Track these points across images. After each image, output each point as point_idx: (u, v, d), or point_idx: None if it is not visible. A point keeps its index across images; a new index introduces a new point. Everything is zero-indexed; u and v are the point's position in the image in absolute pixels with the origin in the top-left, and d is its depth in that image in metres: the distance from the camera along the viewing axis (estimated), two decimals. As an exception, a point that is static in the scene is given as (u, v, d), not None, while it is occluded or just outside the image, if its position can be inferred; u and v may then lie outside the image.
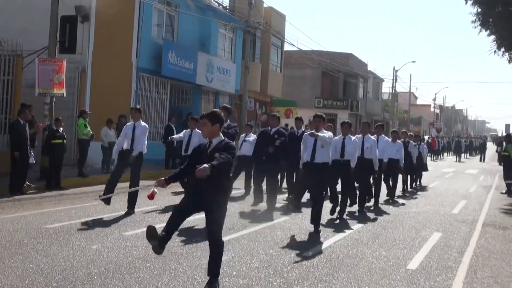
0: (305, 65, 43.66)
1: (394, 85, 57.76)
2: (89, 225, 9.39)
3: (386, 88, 64.53)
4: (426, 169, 20.54)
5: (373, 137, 12.92)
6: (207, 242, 8.35)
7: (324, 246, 8.66)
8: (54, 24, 15.69)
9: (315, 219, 9.70)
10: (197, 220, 10.31)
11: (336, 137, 11.24)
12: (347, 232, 10.03)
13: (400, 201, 15.09)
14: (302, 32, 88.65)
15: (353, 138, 11.42)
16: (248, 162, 13.99)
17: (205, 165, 5.41)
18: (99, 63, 19.18)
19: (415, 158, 17.73)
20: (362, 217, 11.81)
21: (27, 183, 13.50)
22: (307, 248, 8.44)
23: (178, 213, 6.10)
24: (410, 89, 66.27)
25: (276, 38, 33.29)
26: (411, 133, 19.77)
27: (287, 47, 36.49)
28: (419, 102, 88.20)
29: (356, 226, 10.70)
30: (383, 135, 14.09)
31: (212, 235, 6.08)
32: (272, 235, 8.97)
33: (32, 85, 15.82)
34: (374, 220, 11.62)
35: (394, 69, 57.09)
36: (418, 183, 19.76)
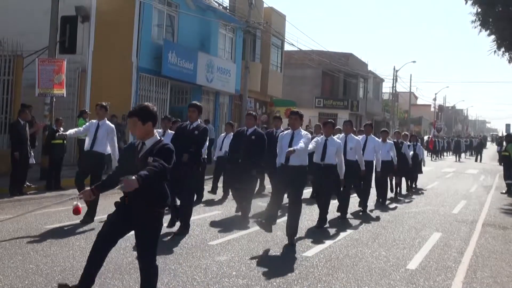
0: (305, 65, 43.65)
1: (394, 85, 57.81)
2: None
3: (386, 88, 64.56)
4: (420, 171, 19.10)
5: (357, 137, 12.02)
6: (206, 242, 8.41)
7: (323, 246, 8.66)
8: (54, 24, 15.69)
9: (289, 233, 8.70)
10: (198, 220, 10.33)
11: (318, 138, 10.43)
12: (347, 232, 10.03)
13: (392, 205, 14.25)
14: (302, 32, 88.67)
15: (337, 139, 10.49)
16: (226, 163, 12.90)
17: (132, 177, 4.49)
18: (99, 63, 19.19)
19: (410, 160, 16.45)
20: (359, 218, 11.81)
21: (27, 183, 13.51)
22: (307, 248, 8.45)
23: (103, 242, 5.15)
24: (410, 89, 66.29)
25: (276, 38, 33.29)
26: (406, 133, 18.64)
27: (287, 47, 36.52)
28: (419, 102, 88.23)
29: (356, 226, 10.70)
30: (373, 135, 13.25)
31: (143, 260, 5.06)
32: (272, 235, 8.97)
33: (32, 85, 15.82)
34: (374, 220, 11.63)
35: (394, 69, 57.14)
36: (413, 186, 18.36)
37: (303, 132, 8.86)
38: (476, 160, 43.06)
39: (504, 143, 20.44)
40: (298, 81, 45.25)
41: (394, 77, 57.13)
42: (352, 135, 11.63)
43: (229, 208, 12.04)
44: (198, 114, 9.27)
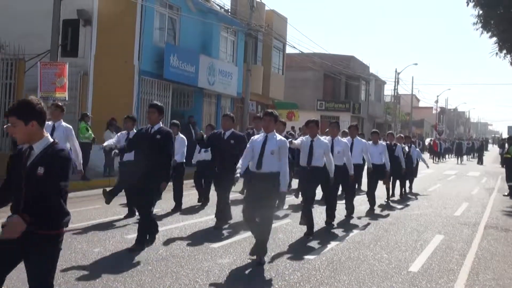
0: (307, 67, 43.69)
1: (396, 87, 57.83)
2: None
3: (388, 90, 64.43)
4: (415, 175, 18.20)
5: (344, 140, 11.35)
6: (208, 245, 8.41)
7: (325, 248, 8.66)
8: (56, 28, 15.73)
9: (257, 249, 7.59)
10: (199, 223, 10.34)
11: (303, 138, 9.78)
12: (349, 234, 10.02)
13: (384, 212, 13.34)
14: (303, 35, 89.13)
15: (324, 140, 9.77)
16: (206, 167, 11.90)
17: (17, 219, 3.68)
18: (101, 67, 19.22)
19: (404, 163, 15.11)
20: (360, 221, 11.80)
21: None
22: (309, 250, 8.45)
23: None
24: (412, 91, 66.33)
25: (277, 41, 33.31)
26: (401, 135, 17.53)
27: (289, 50, 36.56)
28: (421, 104, 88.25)
29: (358, 228, 10.69)
30: (359, 137, 12.53)
31: None
32: (274, 237, 8.97)
33: (34, 88, 15.84)
34: (376, 222, 11.61)
35: (396, 71, 57.30)
36: (408, 190, 17.50)
37: (279, 137, 7.69)
38: (478, 163, 42.98)
39: (506, 145, 20.40)
40: (300, 83, 45.28)
41: (396, 80, 57.18)
42: (340, 137, 11.05)
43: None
44: (159, 115, 8.12)
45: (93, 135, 16.19)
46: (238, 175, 7.50)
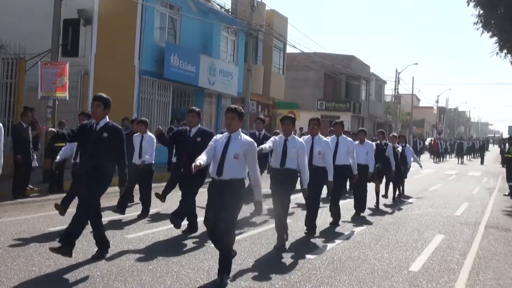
0: (308, 67, 43.70)
1: (396, 87, 57.82)
2: None
3: (388, 90, 64.43)
4: (405, 176, 16.77)
5: (326, 139, 9.77)
6: (209, 245, 8.40)
7: (326, 248, 8.65)
8: (57, 27, 15.73)
9: (219, 265, 6.61)
10: (200, 222, 10.35)
11: (276, 137, 8.75)
12: (349, 234, 10.02)
13: (385, 212, 13.24)
14: (304, 35, 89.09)
15: (298, 139, 8.61)
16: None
17: None
18: (101, 66, 19.23)
19: (394, 164, 14.16)
20: (361, 220, 11.80)
21: (30, 186, 13.54)
22: (309, 250, 8.45)
23: None
24: (412, 91, 66.27)
25: (278, 41, 33.33)
26: (395, 134, 15.98)
27: (289, 50, 36.61)
28: (421, 104, 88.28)
29: (358, 228, 10.69)
30: (344, 136, 11.09)
31: None
32: (275, 237, 8.95)
33: (34, 88, 15.86)
34: (376, 222, 11.61)
35: (396, 71, 57.28)
36: (401, 192, 16.32)
37: (245, 138, 6.53)
38: (481, 163, 42.91)
39: (507, 145, 20.40)
40: (300, 83, 45.28)
41: (396, 79, 57.17)
42: (321, 136, 9.57)
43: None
44: (105, 109, 7.10)
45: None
46: (198, 163, 6.06)
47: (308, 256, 8.03)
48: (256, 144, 6.55)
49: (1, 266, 6.73)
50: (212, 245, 7.10)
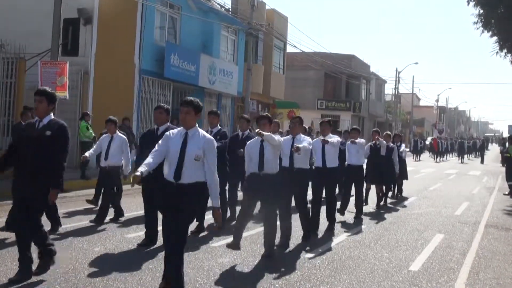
0: (308, 67, 43.71)
1: (396, 86, 57.84)
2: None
3: (388, 89, 64.38)
4: (405, 177, 16.27)
5: (309, 138, 9.14)
6: (209, 244, 8.41)
7: (326, 247, 8.66)
8: (57, 27, 15.73)
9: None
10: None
11: (252, 140, 8.13)
12: (349, 233, 10.03)
13: (385, 211, 13.08)
14: (304, 34, 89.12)
15: (277, 136, 7.89)
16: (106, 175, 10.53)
17: None
18: (101, 66, 19.22)
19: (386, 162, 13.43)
20: (361, 220, 11.80)
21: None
22: (309, 249, 8.45)
23: None
24: (412, 90, 66.28)
25: (278, 40, 33.31)
26: (388, 132, 14.87)
27: (289, 49, 36.57)
28: (422, 103, 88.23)
29: (358, 228, 10.69)
30: (331, 134, 10.00)
31: None
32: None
33: (34, 87, 15.79)
34: (376, 222, 11.62)
35: (396, 70, 57.27)
36: (398, 194, 15.91)
37: (202, 134, 5.78)
38: (481, 162, 42.86)
39: (507, 144, 20.40)
40: (301, 83, 45.29)
41: (397, 79, 57.19)
42: (303, 135, 8.98)
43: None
44: (49, 105, 6.33)
45: (93, 134, 16.20)
46: (139, 173, 5.39)
47: (308, 255, 8.04)
48: (215, 142, 5.76)
49: (1, 266, 6.75)
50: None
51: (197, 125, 5.73)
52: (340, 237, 9.61)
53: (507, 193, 18.47)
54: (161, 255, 7.56)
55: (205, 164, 5.62)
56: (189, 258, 7.44)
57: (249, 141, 8.21)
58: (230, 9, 29.05)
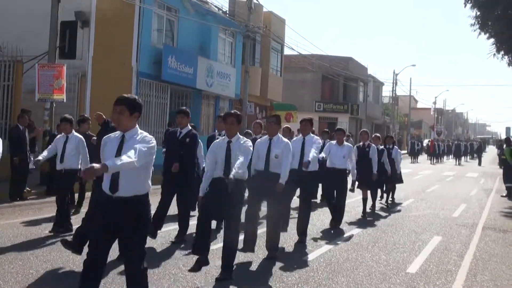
0: (305, 69, 43.70)
1: (394, 88, 57.84)
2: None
3: (386, 91, 64.42)
4: (400, 181, 15.40)
5: (287, 140, 8.06)
6: (211, 251, 8.38)
7: (323, 250, 8.66)
8: (54, 30, 15.72)
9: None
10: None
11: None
12: (347, 236, 10.03)
13: (382, 213, 13.06)
14: (302, 37, 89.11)
15: (244, 139, 6.86)
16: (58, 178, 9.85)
17: None
18: (99, 68, 19.21)
19: (375, 167, 12.53)
20: (359, 222, 11.81)
21: (27, 188, 13.51)
22: (307, 252, 8.45)
23: None
24: (410, 92, 66.33)
25: (276, 43, 33.33)
26: (377, 134, 14.18)
27: (287, 51, 36.53)
28: (419, 105, 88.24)
29: (356, 230, 10.70)
30: (313, 134, 9.32)
31: None
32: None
33: (32, 90, 15.84)
34: (374, 224, 11.62)
35: (394, 72, 57.14)
36: (390, 199, 15.08)
37: (140, 136, 4.89)
38: (479, 164, 42.88)
39: (504, 146, 20.44)
40: (298, 85, 45.28)
41: (394, 81, 57.19)
42: (281, 136, 8.01)
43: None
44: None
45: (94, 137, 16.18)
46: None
47: (305, 258, 8.03)
48: (155, 146, 4.86)
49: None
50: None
51: (137, 126, 4.91)
52: (338, 240, 9.60)
53: (504, 195, 18.50)
54: (158, 258, 7.56)
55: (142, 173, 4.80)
56: (187, 261, 7.43)
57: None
58: (227, 12, 29.07)
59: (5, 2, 19.64)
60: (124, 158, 4.43)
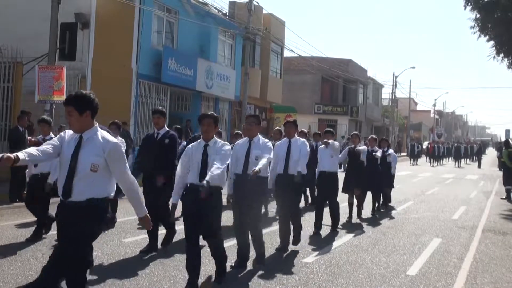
0: (305, 71, 43.75)
1: (394, 91, 57.90)
2: None
3: (386, 94, 64.58)
4: (391, 185, 14.77)
5: (267, 140, 7.53)
6: (206, 249, 8.39)
7: (323, 252, 8.65)
8: (54, 31, 15.73)
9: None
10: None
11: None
12: (347, 238, 10.02)
13: (382, 216, 12.91)
14: (301, 38, 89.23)
15: (223, 142, 6.42)
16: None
17: None
18: (99, 70, 19.21)
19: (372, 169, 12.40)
20: (358, 225, 11.80)
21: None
22: (307, 254, 8.44)
23: None
24: (410, 95, 66.38)
25: (275, 45, 33.35)
26: (373, 136, 13.83)
27: (286, 53, 36.60)
28: (419, 108, 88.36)
29: (355, 232, 10.69)
30: (298, 137, 8.88)
31: None
32: (272, 241, 8.97)
33: (32, 92, 15.84)
34: (374, 226, 11.61)
35: (394, 75, 57.21)
36: (383, 204, 14.40)
37: (105, 137, 4.57)
38: (479, 166, 42.88)
39: (503, 149, 20.45)
40: (298, 87, 45.33)
41: (394, 83, 57.25)
42: (261, 137, 7.49)
43: (229, 214, 12.00)
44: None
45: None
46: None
47: (305, 260, 8.03)
48: (121, 146, 4.67)
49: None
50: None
51: (96, 124, 4.55)
52: (338, 242, 9.59)
53: (504, 197, 18.50)
54: (158, 260, 7.56)
55: (113, 173, 4.53)
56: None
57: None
58: (227, 14, 29.10)
59: (5, 3, 19.65)
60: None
